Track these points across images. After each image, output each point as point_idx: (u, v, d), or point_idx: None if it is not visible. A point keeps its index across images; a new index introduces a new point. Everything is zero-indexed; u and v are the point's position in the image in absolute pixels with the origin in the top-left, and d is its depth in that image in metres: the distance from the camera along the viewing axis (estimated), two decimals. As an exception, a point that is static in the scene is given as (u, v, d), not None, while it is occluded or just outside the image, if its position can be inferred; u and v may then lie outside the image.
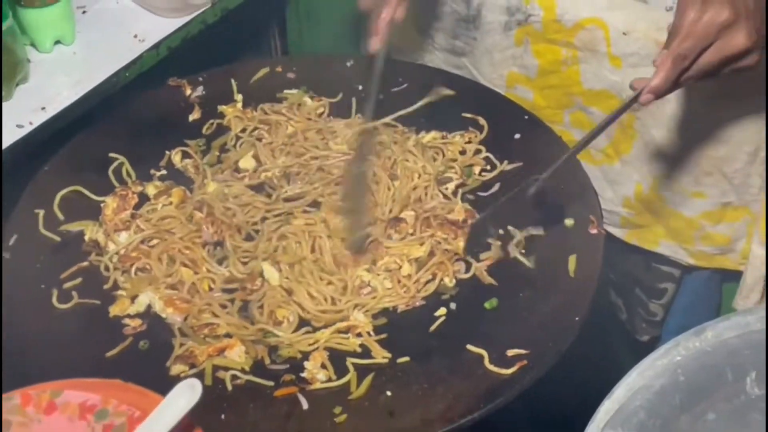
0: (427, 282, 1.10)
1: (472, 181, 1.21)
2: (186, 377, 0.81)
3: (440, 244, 1.12)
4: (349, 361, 1.01)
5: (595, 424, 0.81)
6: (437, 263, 1.11)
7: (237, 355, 1.02)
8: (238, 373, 1.00)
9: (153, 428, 0.74)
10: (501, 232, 1.14)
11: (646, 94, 1.04)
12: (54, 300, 1.08)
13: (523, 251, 1.12)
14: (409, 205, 1.16)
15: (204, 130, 1.29)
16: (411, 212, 1.16)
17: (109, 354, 1.02)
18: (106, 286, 1.10)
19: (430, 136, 1.27)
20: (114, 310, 1.07)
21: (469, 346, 1.01)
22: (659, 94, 1.04)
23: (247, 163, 1.23)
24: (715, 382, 0.85)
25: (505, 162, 1.22)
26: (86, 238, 1.14)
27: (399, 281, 1.09)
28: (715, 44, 1.01)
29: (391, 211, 1.16)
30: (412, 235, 1.14)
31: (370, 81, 1.20)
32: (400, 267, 1.11)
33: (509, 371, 0.98)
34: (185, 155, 1.25)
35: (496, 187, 1.20)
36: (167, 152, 1.25)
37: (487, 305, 1.06)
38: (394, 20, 1.19)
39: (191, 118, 1.30)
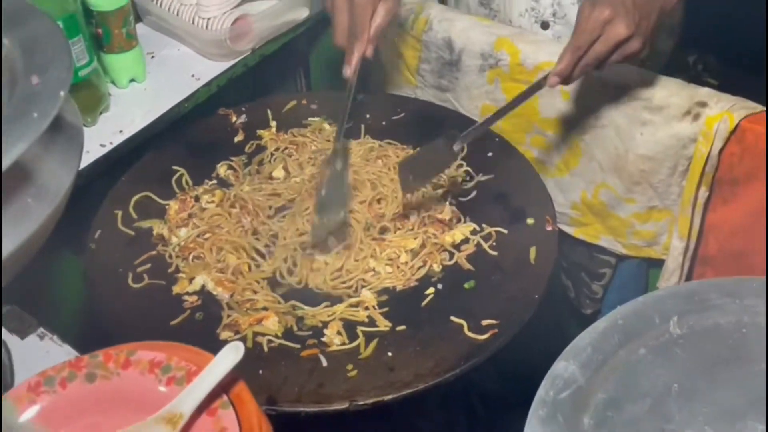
0: (419, 267, 1.09)
1: (456, 189, 1.20)
2: (231, 341, 0.81)
3: (430, 239, 1.12)
4: (359, 329, 1.01)
5: (555, 363, 0.81)
6: (427, 253, 1.10)
7: (272, 324, 1.01)
8: (272, 338, 1.00)
9: (206, 380, 0.74)
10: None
11: (553, 76, 1.07)
12: (129, 281, 1.07)
13: (494, 244, 1.11)
14: (410, 205, 1.15)
15: (246, 149, 1.28)
16: (415, 213, 1.15)
17: (172, 323, 1.02)
18: (169, 270, 1.09)
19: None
20: (176, 289, 1.06)
21: (452, 318, 1.01)
22: (563, 76, 1.07)
23: (278, 173, 1.23)
24: (645, 325, 0.86)
25: (481, 174, 1.22)
26: (154, 233, 1.14)
27: (398, 267, 1.09)
28: (602, 36, 1.04)
29: (397, 208, 1.16)
30: (411, 230, 1.13)
31: (345, 102, 1.17)
32: (399, 256, 1.10)
33: (483, 337, 0.98)
34: (230, 167, 1.25)
35: (473, 194, 1.19)
36: (217, 166, 1.25)
37: (466, 286, 1.06)
38: (364, 55, 1.17)
39: (236, 139, 1.30)
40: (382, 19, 1.16)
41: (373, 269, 1.09)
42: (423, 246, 1.11)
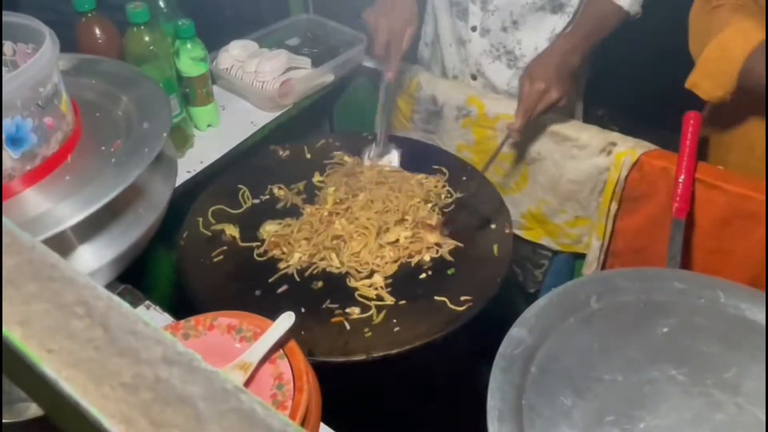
0: (411, 256, 1.09)
1: (441, 202, 1.20)
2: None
3: (419, 234, 1.12)
4: (372, 303, 1.02)
5: (510, 329, 0.82)
6: (417, 241, 1.11)
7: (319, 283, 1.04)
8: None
9: (267, 338, 0.76)
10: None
11: (514, 132, 1.14)
12: (209, 268, 1.08)
13: (467, 242, 1.12)
14: (408, 212, 1.16)
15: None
16: (410, 217, 1.15)
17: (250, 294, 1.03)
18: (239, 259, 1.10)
19: (421, 176, 1.26)
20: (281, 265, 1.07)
21: (436, 297, 1.01)
22: (520, 130, 1.13)
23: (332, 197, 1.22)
24: (573, 301, 0.86)
25: (458, 192, 1.22)
26: (227, 234, 1.14)
27: (397, 247, 1.10)
28: (542, 101, 1.11)
29: (398, 211, 1.16)
30: (407, 228, 1.14)
31: (386, 102, 1.26)
32: (398, 239, 1.10)
33: (461, 309, 0.99)
34: (280, 188, 1.25)
35: (453, 206, 1.19)
36: (269, 186, 1.25)
37: (449, 272, 1.07)
38: (402, 52, 1.22)
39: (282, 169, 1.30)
40: (409, 41, 1.22)
41: (381, 257, 1.08)
42: (414, 237, 1.11)
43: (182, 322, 0.79)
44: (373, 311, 1.00)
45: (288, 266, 1.08)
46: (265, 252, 1.11)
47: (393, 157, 1.28)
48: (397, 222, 1.14)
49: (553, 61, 1.12)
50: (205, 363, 0.28)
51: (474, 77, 1.36)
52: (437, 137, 1.43)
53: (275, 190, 1.24)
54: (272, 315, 0.78)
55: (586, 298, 0.90)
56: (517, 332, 0.84)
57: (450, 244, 1.12)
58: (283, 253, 1.10)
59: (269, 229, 1.14)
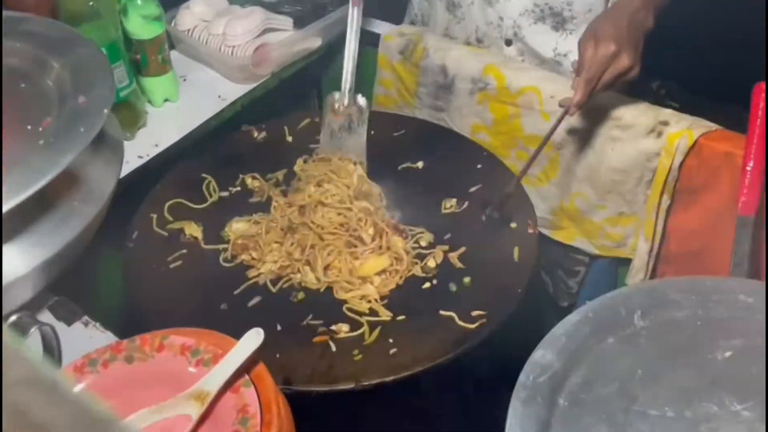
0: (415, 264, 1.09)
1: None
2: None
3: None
4: (364, 319, 1.01)
5: (534, 351, 0.81)
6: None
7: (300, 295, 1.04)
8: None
9: (230, 362, 0.75)
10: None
11: (573, 107, 1.09)
12: (163, 275, 1.08)
13: (481, 245, 1.11)
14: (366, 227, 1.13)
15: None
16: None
17: (201, 311, 1.02)
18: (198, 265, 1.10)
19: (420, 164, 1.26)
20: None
21: (442, 312, 1.00)
22: (581, 106, 1.09)
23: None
24: (613, 317, 0.85)
25: (472, 184, 1.21)
26: (187, 234, 1.14)
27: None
28: (610, 68, 1.06)
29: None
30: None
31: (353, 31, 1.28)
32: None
33: (473, 326, 0.98)
34: (254, 178, 1.24)
35: (466, 203, 1.18)
36: (241, 175, 1.25)
37: (464, 281, 1.05)
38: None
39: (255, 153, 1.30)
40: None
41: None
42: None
43: (125, 342, 0.78)
44: (365, 329, 0.99)
45: (259, 275, 1.07)
46: (233, 257, 1.11)
47: (361, 103, 1.30)
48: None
49: (623, 19, 1.08)
50: (78, 388, 0.26)
51: (509, 42, 1.35)
52: (447, 116, 1.42)
53: (248, 181, 1.23)
54: (241, 333, 0.78)
55: (629, 314, 0.89)
56: (543, 355, 0.83)
57: (459, 247, 1.11)
58: (254, 258, 1.10)
59: (237, 228, 1.14)
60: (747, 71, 1.16)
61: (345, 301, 1.03)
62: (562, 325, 0.85)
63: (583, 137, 1.29)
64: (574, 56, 1.14)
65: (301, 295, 1.05)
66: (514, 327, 0.99)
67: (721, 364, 0.81)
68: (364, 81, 1.42)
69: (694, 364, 0.82)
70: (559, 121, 1.13)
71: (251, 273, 1.08)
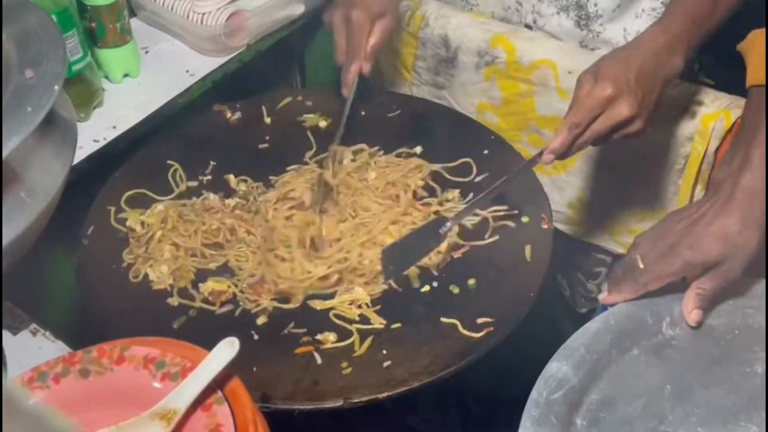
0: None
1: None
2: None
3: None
4: (353, 327, 1.01)
5: (548, 363, 0.82)
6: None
7: (263, 319, 1.03)
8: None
9: (200, 376, 0.75)
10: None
11: (548, 154, 1.03)
12: (122, 277, 1.08)
13: (488, 242, 1.12)
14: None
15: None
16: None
17: (168, 320, 1.03)
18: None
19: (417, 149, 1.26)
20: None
21: (442, 318, 1.01)
22: (558, 154, 1.03)
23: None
24: (638, 325, 0.86)
25: (478, 172, 1.22)
26: (127, 224, 1.14)
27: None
28: (603, 114, 1.00)
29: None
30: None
31: (339, 121, 1.24)
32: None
33: (478, 335, 0.98)
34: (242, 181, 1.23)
35: (470, 195, 1.18)
36: (212, 162, 1.25)
37: (470, 283, 1.06)
38: (361, 72, 1.22)
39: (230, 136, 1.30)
40: (377, 38, 1.21)
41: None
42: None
43: (80, 353, 0.78)
44: (354, 338, 1.00)
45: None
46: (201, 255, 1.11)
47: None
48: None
49: (635, 59, 1.01)
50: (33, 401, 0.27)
51: (529, 27, 1.35)
52: (449, 94, 1.42)
53: (232, 179, 1.23)
54: (210, 343, 0.78)
55: (656, 322, 0.90)
56: (558, 368, 0.84)
57: (462, 245, 1.11)
58: (140, 256, 1.11)
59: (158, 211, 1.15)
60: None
61: (331, 307, 1.04)
62: (581, 334, 0.85)
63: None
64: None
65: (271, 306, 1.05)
66: (526, 336, 0.99)
67: (759, 379, 0.82)
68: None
69: (730, 379, 0.83)
70: (529, 165, 1.10)
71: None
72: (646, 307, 0.91)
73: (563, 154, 1.04)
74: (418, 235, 1.08)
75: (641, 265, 0.93)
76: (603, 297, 0.98)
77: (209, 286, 1.06)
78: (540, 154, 1.05)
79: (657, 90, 1.03)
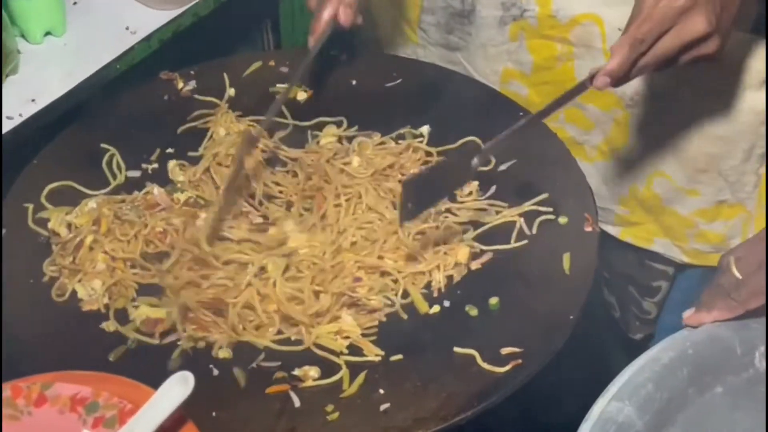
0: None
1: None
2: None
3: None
4: (342, 359, 1.01)
5: (604, 398, 0.82)
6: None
7: (225, 352, 1.03)
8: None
9: (144, 421, 0.75)
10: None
11: (602, 76, 1.02)
12: (43, 293, 1.08)
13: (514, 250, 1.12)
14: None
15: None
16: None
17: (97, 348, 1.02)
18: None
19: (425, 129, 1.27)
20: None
21: (456, 348, 1.01)
22: (615, 77, 1.02)
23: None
24: (723, 355, 0.86)
25: (503, 159, 1.22)
26: (49, 226, 1.14)
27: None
28: (674, 29, 1.00)
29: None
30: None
31: (291, 76, 1.25)
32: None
33: (503, 369, 0.98)
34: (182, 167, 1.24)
35: (492, 189, 1.19)
36: (158, 148, 1.25)
37: (492, 301, 1.06)
38: (337, 21, 1.23)
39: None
40: None
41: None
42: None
43: (-12, 392, 0.79)
44: (343, 374, 1.00)
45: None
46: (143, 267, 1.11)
47: None
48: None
49: None
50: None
51: None
52: (465, 57, 1.42)
53: (172, 165, 1.23)
54: (157, 380, 0.78)
55: (747, 352, 0.89)
56: (619, 410, 0.84)
57: (483, 252, 1.11)
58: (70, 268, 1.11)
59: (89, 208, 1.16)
60: None
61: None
62: (647, 366, 0.85)
63: (666, 90, 1.29)
64: None
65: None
66: (564, 371, 1.00)
67: None
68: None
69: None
70: (576, 92, 1.08)
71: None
72: (735, 333, 0.90)
73: (620, 79, 1.04)
74: (445, 168, 1.11)
75: (738, 275, 0.93)
76: (688, 315, 0.98)
77: (142, 312, 1.06)
78: (591, 77, 1.04)
79: (735, 6, 1.04)
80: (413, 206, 1.08)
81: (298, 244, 1.11)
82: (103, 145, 1.24)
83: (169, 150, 1.25)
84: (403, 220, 1.10)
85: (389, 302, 1.07)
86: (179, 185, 1.21)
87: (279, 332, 1.05)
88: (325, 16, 1.22)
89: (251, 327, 1.04)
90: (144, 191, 1.18)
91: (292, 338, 1.04)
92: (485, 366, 0.99)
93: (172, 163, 1.23)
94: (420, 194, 1.08)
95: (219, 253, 1.09)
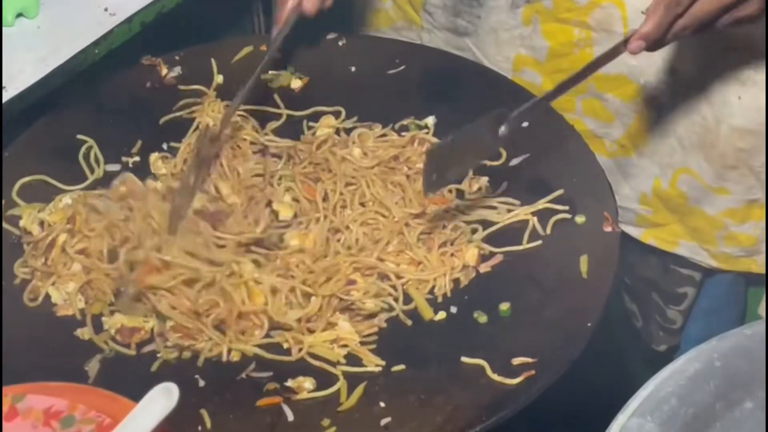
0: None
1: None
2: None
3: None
4: (339, 369, 1.01)
5: (624, 414, 0.81)
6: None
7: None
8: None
9: (125, 436, 0.75)
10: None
11: (636, 40, 1.04)
12: (15, 297, 1.08)
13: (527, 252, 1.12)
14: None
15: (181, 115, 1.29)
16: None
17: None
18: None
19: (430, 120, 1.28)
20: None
21: (463, 358, 1.01)
22: (650, 41, 1.04)
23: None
24: (753, 367, 0.85)
25: (516, 152, 1.22)
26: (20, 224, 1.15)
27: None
28: None
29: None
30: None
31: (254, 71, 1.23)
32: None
33: (514, 381, 0.98)
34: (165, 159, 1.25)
35: (504, 185, 1.19)
36: (140, 141, 1.25)
37: (503, 307, 1.06)
38: (300, 11, 1.23)
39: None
40: None
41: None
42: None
43: (-45, 404, 0.79)
44: (340, 385, 1.00)
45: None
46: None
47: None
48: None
49: None
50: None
51: None
52: (474, 43, 1.43)
53: (153, 158, 1.24)
54: (138, 391, 0.78)
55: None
56: (641, 426, 0.83)
57: (492, 254, 1.12)
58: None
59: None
60: None
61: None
62: (670, 378, 0.85)
63: (693, 79, 1.29)
64: None
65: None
66: (581, 382, 1.00)
67: None
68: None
69: None
70: (609, 56, 1.10)
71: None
72: (761, 345, 0.90)
73: (656, 43, 1.05)
74: (471, 136, 1.12)
75: None
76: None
77: (117, 320, 1.06)
78: (625, 41, 1.06)
79: None
80: (438, 177, 1.11)
81: (295, 242, 1.12)
82: (79, 137, 1.24)
83: (152, 142, 1.25)
84: (428, 191, 1.13)
85: (387, 307, 1.07)
86: (161, 179, 1.21)
87: (268, 336, 1.05)
88: (289, 4, 1.23)
89: (237, 330, 1.05)
90: (118, 180, 1.18)
91: (284, 346, 1.04)
92: (495, 377, 0.99)
93: (154, 156, 1.24)
94: (445, 164, 1.11)
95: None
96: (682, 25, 1.03)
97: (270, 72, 1.34)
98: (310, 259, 1.10)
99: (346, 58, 1.35)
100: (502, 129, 1.09)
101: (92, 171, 1.22)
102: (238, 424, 0.97)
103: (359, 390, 0.99)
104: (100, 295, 1.08)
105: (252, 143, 1.24)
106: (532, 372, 0.99)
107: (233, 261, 1.07)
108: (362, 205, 1.17)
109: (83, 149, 1.23)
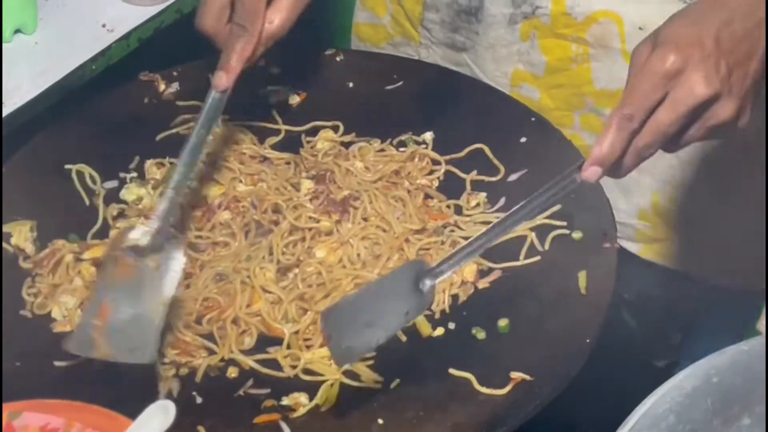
0: None
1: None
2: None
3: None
4: (337, 385, 1.01)
5: (622, 431, 0.81)
6: None
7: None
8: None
9: (121, 455, 0.75)
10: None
11: (591, 165, 0.91)
12: (11, 314, 1.08)
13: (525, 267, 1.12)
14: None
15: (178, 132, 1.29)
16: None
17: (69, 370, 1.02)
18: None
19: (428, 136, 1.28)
20: None
21: (451, 370, 1.01)
22: (606, 165, 0.91)
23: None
24: (751, 383, 0.85)
25: (513, 169, 1.23)
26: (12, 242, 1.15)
27: None
28: (668, 97, 0.91)
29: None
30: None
31: (195, 124, 1.15)
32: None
33: (512, 398, 0.98)
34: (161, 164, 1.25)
35: (502, 201, 1.19)
36: (138, 156, 1.25)
37: (501, 324, 1.06)
38: (251, 59, 1.16)
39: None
40: (283, 18, 1.16)
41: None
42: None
43: (-50, 421, 0.79)
44: (335, 395, 1.01)
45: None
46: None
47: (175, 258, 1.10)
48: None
49: (720, 15, 0.93)
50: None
51: None
52: (472, 59, 1.42)
53: (149, 165, 1.25)
54: (134, 408, 0.78)
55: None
56: (636, 426, 0.83)
57: (491, 270, 1.12)
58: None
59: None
60: None
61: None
62: (668, 395, 0.85)
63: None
64: None
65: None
66: (580, 399, 1.00)
67: None
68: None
69: None
70: (558, 190, 0.96)
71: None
72: (764, 359, 0.90)
73: (615, 166, 0.93)
74: (385, 292, 0.99)
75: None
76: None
77: None
78: (578, 166, 0.94)
79: (756, 60, 0.94)
80: (347, 349, 0.96)
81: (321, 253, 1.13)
82: (76, 153, 1.24)
83: (149, 158, 1.25)
84: (342, 364, 0.99)
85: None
86: (152, 182, 1.22)
87: (265, 352, 1.05)
88: (242, 52, 1.14)
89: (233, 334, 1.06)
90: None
91: (281, 363, 1.04)
92: (492, 393, 0.99)
93: (149, 162, 1.24)
94: (350, 327, 0.96)
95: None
96: (644, 143, 0.92)
97: (268, 87, 1.34)
98: (326, 271, 1.11)
99: (343, 73, 1.36)
100: (427, 282, 0.96)
101: (88, 190, 1.22)
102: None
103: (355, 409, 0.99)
104: None
105: (252, 156, 1.25)
106: (531, 389, 0.98)
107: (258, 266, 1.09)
108: (364, 219, 1.17)
109: (76, 168, 1.24)
